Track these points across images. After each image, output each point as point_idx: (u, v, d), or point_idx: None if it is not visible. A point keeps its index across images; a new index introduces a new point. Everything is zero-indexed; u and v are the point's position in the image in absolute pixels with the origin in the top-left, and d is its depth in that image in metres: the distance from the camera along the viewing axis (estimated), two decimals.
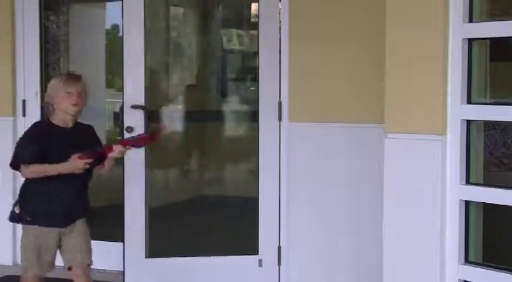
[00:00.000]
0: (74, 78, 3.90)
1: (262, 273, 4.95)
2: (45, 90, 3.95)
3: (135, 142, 3.88)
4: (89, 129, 4.04)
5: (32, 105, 5.47)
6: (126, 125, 4.93)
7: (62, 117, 3.84)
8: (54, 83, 3.88)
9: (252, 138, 5.10)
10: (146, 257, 4.99)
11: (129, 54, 4.94)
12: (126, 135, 4.84)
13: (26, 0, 5.44)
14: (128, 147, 3.84)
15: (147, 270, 4.99)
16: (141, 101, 4.95)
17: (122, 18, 4.98)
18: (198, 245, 5.29)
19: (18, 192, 3.94)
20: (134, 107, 4.93)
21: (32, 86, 5.47)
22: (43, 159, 3.75)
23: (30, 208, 3.86)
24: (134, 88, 4.98)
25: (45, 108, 3.92)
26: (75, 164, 3.74)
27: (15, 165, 3.83)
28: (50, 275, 3.90)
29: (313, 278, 4.76)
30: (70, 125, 3.87)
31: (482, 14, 3.58)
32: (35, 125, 3.97)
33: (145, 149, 4.95)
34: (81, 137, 3.89)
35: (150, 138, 4.03)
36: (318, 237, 4.72)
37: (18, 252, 5.36)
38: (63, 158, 3.74)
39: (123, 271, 5.01)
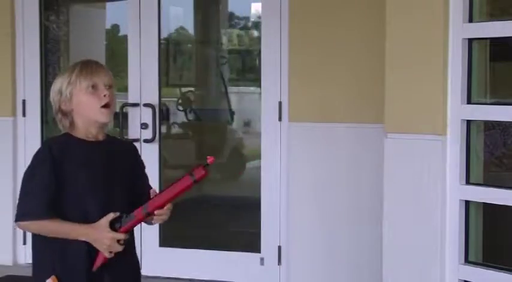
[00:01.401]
0: (95, 64, 2.60)
1: (264, 271, 4.97)
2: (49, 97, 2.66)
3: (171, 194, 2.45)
4: (132, 148, 2.79)
5: (32, 105, 5.47)
6: (141, 121, 5.20)
7: (84, 131, 2.59)
8: (63, 80, 2.57)
9: (254, 138, 5.12)
10: (159, 246, 5.27)
11: (145, 53, 5.06)
12: (142, 132, 5.07)
13: (26, 0, 5.45)
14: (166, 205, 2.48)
15: (160, 256, 5.23)
16: (155, 99, 5.18)
17: (139, 17, 5.14)
18: (204, 239, 5.37)
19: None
20: (146, 105, 5.18)
21: (32, 86, 5.47)
22: (61, 199, 2.48)
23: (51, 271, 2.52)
24: (148, 86, 5.19)
25: (59, 124, 2.63)
26: (105, 240, 2.45)
27: (18, 219, 2.56)
28: None
29: (313, 277, 4.76)
30: (100, 137, 2.62)
31: (482, 14, 3.58)
32: (47, 145, 2.57)
33: (158, 149, 5.17)
34: (124, 160, 2.65)
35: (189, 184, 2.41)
36: (318, 237, 4.72)
37: (18, 252, 5.42)
38: (93, 194, 2.51)
39: (140, 257, 5.19)
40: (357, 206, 4.58)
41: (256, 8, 5.65)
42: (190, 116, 5.92)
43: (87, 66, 2.58)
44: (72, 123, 2.60)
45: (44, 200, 2.45)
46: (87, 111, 2.57)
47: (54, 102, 2.62)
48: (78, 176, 2.51)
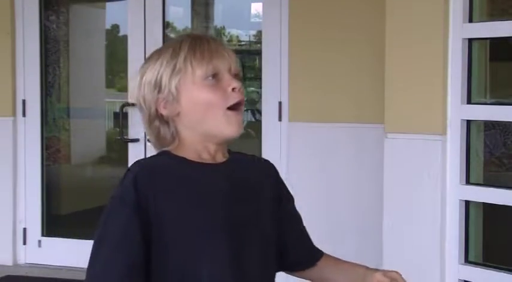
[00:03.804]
0: (212, 40, 1.66)
1: None
2: (137, 94, 1.70)
3: None
4: (273, 171, 1.87)
5: (32, 105, 5.47)
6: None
7: (196, 149, 1.65)
8: (161, 67, 1.65)
9: (255, 137, 5.11)
10: None
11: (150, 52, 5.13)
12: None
13: (26, 0, 5.45)
14: None
15: None
16: None
17: (144, 16, 5.14)
18: None
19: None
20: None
21: (32, 86, 5.47)
22: (158, 257, 1.56)
23: None
24: None
25: (153, 137, 1.70)
26: None
27: None
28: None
29: None
30: (220, 158, 1.69)
31: (482, 14, 3.58)
32: (132, 175, 1.58)
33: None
34: (263, 192, 1.76)
35: None
36: (318, 237, 4.71)
37: (18, 252, 5.42)
38: (212, 249, 1.58)
39: None
40: (357, 206, 4.58)
41: (256, 8, 5.65)
42: (258, 116, 5.87)
43: (202, 44, 1.62)
44: (174, 137, 1.66)
45: (116, 268, 1.52)
46: (204, 117, 1.61)
47: (145, 102, 1.65)
48: (186, 220, 1.57)
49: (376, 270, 1.79)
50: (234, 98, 1.62)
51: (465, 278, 3.50)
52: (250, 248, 1.63)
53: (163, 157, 1.65)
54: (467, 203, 3.52)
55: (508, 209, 3.38)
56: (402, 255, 3.62)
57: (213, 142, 1.64)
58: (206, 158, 1.65)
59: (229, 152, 1.71)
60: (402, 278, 1.77)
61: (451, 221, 3.50)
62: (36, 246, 5.37)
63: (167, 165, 1.62)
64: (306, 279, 1.93)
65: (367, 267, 1.82)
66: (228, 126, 1.62)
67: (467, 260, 3.52)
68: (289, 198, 1.89)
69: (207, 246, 1.57)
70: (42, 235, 5.40)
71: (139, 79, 1.67)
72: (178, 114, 1.64)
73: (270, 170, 1.83)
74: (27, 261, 5.38)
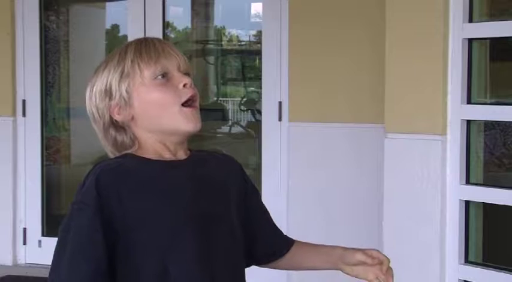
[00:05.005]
0: (157, 41, 1.66)
1: (265, 271, 4.95)
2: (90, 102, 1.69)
3: None
4: (237, 167, 1.81)
5: (32, 105, 5.47)
6: None
7: (156, 149, 1.65)
8: (110, 74, 1.64)
9: (255, 137, 5.12)
10: None
11: None
12: None
13: (26, 0, 5.45)
14: None
15: None
16: None
17: (144, 16, 5.15)
18: None
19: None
20: None
21: (32, 86, 5.47)
22: (125, 257, 1.55)
23: None
24: None
25: (110, 147, 1.70)
26: None
27: None
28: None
29: (313, 277, 4.75)
30: (181, 155, 1.68)
31: (482, 14, 3.58)
32: (94, 177, 1.58)
33: None
34: (228, 187, 1.72)
35: None
36: (318, 237, 4.71)
37: (18, 252, 5.42)
38: (179, 246, 1.56)
39: None
40: (357, 205, 4.58)
41: (256, 8, 5.65)
42: (258, 116, 5.91)
43: (147, 45, 1.62)
44: (134, 141, 1.66)
45: (81, 272, 1.51)
46: (159, 117, 1.61)
47: (98, 112, 1.66)
48: (151, 219, 1.55)
49: (355, 249, 1.80)
50: (186, 94, 1.62)
51: (465, 278, 3.50)
52: (217, 243, 1.62)
53: (125, 158, 1.63)
54: (467, 203, 3.52)
55: (508, 209, 3.38)
56: (402, 255, 3.62)
57: (171, 140, 1.64)
58: (167, 156, 1.65)
59: (190, 150, 1.71)
60: (383, 255, 1.77)
61: (451, 221, 3.50)
62: (36, 246, 5.37)
63: (129, 165, 1.60)
64: (279, 268, 1.97)
65: (345, 248, 1.84)
66: (187, 123, 1.61)
67: (467, 260, 3.52)
68: (254, 191, 1.84)
69: (173, 243, 1.55)
70: (42, 235, 5.40)
71: (90, 91, 1.67)
72: (132, 118, 1.64)
73: (233, 164, 1.80)
74: (27, 261, 5.38)
